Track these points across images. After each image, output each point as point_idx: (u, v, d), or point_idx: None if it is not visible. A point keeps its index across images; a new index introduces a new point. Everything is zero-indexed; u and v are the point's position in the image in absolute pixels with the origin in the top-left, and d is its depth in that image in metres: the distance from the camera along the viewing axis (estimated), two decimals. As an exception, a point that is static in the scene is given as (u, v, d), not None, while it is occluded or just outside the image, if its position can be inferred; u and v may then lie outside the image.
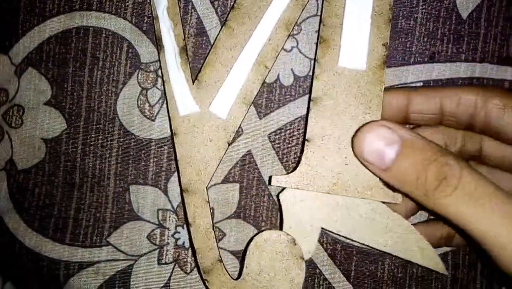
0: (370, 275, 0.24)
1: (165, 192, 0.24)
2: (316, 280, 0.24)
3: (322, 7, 0.21)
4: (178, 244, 0.24)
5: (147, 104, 0.24)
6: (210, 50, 0.22)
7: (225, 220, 0.24)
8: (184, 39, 0.22)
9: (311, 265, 0.24)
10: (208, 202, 0.22)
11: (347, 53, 0.21)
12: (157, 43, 0.22)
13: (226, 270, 0.21)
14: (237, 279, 0.21)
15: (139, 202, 0.24)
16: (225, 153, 0.22)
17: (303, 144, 0.21)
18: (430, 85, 0.23)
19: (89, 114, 0.24)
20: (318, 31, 0.21)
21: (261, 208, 0.24)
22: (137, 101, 0.24)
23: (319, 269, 0.24)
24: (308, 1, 0.22)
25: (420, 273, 0.24)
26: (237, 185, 0.24)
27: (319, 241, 0.23)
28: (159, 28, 0.22)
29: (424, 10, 0.23)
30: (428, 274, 0.24)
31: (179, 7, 0.22)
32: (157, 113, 0.24)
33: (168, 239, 0.24)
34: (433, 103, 0.21)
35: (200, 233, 0.21)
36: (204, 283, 0.21)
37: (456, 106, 0.20)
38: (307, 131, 0.21)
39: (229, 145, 0.22)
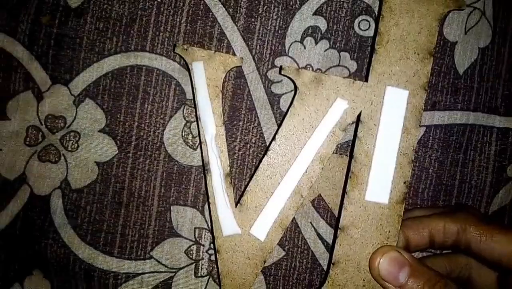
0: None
1: (202, 212, 0.27)
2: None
3: (353, 144, 0.24)
4: (212, 259, 0.27)
5: (190, 135, 0.27)
6: (252, 177, 0.24)
7: (253, 239, 0.27)
8: (230, 166, 0.24)
9: None
10: None
11: (373, 189, 0.24)
12: (204, 167, 0.24)
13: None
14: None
15: (178, 220, 0.27)
16: (261, 269, 0.24)
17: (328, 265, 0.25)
18: (422, 216, 0.25)
19: (139, 141, 0.27)
20: (349, 166, 0.24)
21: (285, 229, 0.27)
22: (182, 132, 0.27)
23: None
24: (341, 139, 0.24)
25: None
26: (264, 208, 0.27)
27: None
28: (207, 154, 0.24)
29: (428, 66, 0.28)
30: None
31: (225, 136, 0.25)
32: (199, 143, 0.27)
33: (203, 254, 0.27)
34: (425, 237, 0.25)
35: None
36: None
37: (442, 236, 0.24)
38: (334, 254, 0.24)
39: (264, 262, 0.24)
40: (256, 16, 0.27)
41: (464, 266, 0.26)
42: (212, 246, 0.27)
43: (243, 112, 0.27)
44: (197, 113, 0.25)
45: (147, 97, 0.27)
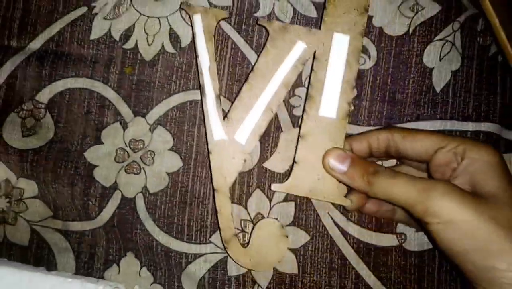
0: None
1: (245, 207, 0.36)
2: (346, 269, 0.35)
3: (311, 75, 0.33)
4: (255, 242, 0.35)
5: (235, 149, 0.36)
6: (235, 98, 0.33)
7: (285, 227, 0.36)
8: (219, 89, 0.33)
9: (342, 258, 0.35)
10: (229, 198, 0.33)
11: (325, 107, 0.32)
12: (201, 90, 0.33)
13: (239, 242, 0.33)
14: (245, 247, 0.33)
15: (229, 214, 0.36)
16: (242, 167, 0.33)
17: (292, 164, 0.32)
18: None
19: (197, 156, 0.36)
20: (307, 90, 0.33)
21: (309, 219, 0.36)
22: (228, 147, 0.36)
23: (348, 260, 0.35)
24: (302, 69, 0.34)
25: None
26: (293, 203, 0.36)
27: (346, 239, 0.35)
28: (203, 81, 0.33)
29: (412, 87, 0.36)
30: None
31: (216, 66, 0.33)
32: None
33: (248, 239, 0.35)
34: (364, 145, 0.32)
35: (224, 218, 0.33)
36: (225, 249, 0.33)
37: (376, 143, 0.32)
38: (296, 156, 0.32)
39: (244, 161, 0.33)
40: (279, 59, 0.36)
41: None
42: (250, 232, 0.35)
43: (272, 130, 0.36)
44: (196, 51, 0.33)
45: (201, 122, 0.36)
